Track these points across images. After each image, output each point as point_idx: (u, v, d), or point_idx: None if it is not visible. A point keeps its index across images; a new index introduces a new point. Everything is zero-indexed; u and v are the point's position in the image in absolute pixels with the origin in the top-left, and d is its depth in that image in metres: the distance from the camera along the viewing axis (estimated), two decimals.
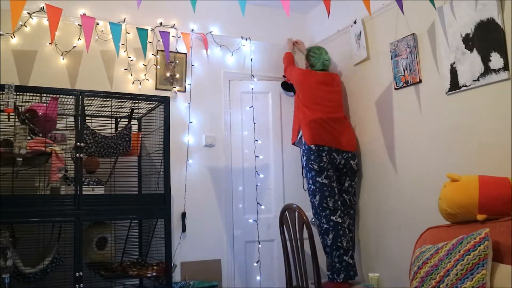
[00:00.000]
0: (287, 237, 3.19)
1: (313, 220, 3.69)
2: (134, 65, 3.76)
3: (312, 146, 3.57)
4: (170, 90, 3.85)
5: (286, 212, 3.17)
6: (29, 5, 3.31)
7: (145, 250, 3.36)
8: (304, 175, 4.14)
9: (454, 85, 2.91)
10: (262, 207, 4.02)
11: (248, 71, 4.22)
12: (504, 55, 2.59)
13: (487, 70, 2.69)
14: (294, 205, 3.06)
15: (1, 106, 2.72)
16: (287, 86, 4.22)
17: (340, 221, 3.53)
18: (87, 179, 2.94)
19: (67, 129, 3.05)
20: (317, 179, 3.57)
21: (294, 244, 3.09)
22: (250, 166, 4.07)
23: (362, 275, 3.68)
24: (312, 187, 3.61)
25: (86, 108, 2.98)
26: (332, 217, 3.52)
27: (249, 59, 4.23)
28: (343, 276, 3.45)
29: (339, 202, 3.60)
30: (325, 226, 3.54)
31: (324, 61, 3.90)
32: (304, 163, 3.66)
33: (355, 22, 3.80)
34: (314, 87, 3.75)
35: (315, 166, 3.56)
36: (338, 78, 3.90)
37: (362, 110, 3.77)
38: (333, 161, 3.59)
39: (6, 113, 2.74)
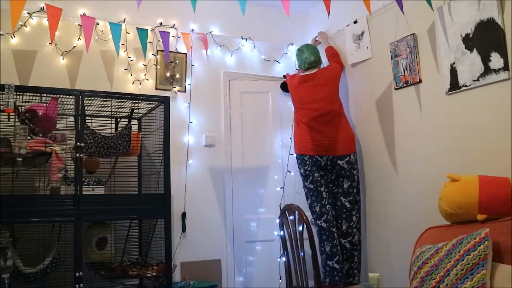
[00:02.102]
0: (287, 237, 3.19)
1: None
2: (134, 65, 3.75)
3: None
4: (170, 90, 3.85)
5: (286, 212, 3.17)
6: (29, 5, 3.30)
7: (145, 250, 3.36)
8: None
9: (454, 85, 2.91)
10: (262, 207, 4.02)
11: (248, 71, 4.22)
12: (504, 55, 2.59)
13: (487, 70, 2.69)
14: (294, 205, 3.06)
15: (1, 106, 2.71)
16: (286, 87, 4.21)
17: (325, 226, 3.51)
18: (87, 179, 2.95)
19: (67, 129, 3.05)
20: (305, 183, 3.66)
21: (294, 244, 3.09)
22: (250, 166, 4.07)
23: (361, 275, 3.68)
24: (304, 190, 3.71)
25: (86, 108, 2.98)
26: (317, 222, 3.56)
27: (249, 59, 4.23)
28: (328, 280, 3.47)
29: (328, 207, 3.55)
30: None
31: (305, 59, 3.74)
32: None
33: (355, 22, 3.80)
34: (297, 88, 3.72)
35: (301, 171, 3.65)
36: (326, 72, 3.71)
37: (362, 110, 3.77)
38: (316, 164, 3.60)
39: (6, 113, 2.74)
